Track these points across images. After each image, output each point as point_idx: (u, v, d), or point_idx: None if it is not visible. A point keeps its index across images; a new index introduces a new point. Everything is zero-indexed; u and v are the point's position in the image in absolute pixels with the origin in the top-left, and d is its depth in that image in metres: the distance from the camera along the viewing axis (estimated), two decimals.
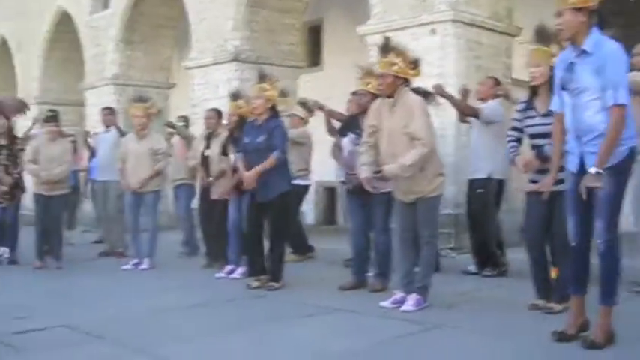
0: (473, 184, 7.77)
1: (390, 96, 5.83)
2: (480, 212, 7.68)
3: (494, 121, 7.52)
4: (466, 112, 7.78)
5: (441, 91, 7.31)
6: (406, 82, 5.88)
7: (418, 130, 5.67)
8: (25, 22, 18.26)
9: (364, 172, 6.03)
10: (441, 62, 9.13)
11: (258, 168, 6.95)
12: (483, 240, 7.69)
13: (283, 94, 7.53)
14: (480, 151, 7.67)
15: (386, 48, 5.92)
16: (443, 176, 5.99)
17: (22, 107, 6.45)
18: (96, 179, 10.75)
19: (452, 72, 9.16)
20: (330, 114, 8.58)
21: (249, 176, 7.01)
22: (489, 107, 7.64)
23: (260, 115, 7.12)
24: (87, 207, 13.78)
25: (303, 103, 9.18)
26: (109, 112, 10.82)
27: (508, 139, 5.88)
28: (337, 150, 7.32)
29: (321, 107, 8.77)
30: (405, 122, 5.71)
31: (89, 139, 12.08)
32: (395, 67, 5.78)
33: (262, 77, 7.25)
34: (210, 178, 8.43)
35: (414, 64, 5.91)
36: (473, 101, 7.91)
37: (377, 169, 5.93)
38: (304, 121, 9.18)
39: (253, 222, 7.24)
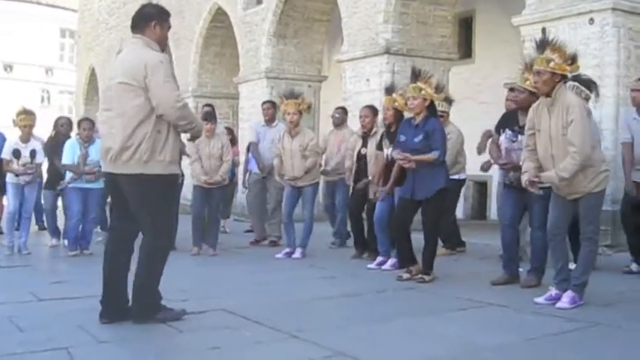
0: None
1: (547, 95, 5.65)
2: None
3: None
4: None
5: None
6: (564, 78, 5.68)
7: (574, 137, 5.47)
8: (181, 20, 18.98)
9: (527, 175, 5.82)
10: (600, 53, 8.78)
11: (417, 157, 6.90)
12: None
13: (439, 89, 7.36)
14: None
15: (542, 43, 5.75)
16: (607, 171, 5.80)
17: None
18: (254, 171, 10.72)
19: (611, 62, 8.81)
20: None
21: (407, 157, 6.95)
22: None
23: (418, 115, 7.09)
24: (240, 197, 14.23)
25: (446, 98, 8.94)
26: (270, 106, 10.66)
27: None
28: (494, 147, 7.20)
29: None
30: (564, 123, 5.54)
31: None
32: (551, 64, 5.59)
33: (416, 75, 7.14)
34: (369, 178, 8.42)
35: (572, 59, 5.69)
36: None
37: (534, 174, 5.77)
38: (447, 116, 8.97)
39: (402, 216, 7.23)
